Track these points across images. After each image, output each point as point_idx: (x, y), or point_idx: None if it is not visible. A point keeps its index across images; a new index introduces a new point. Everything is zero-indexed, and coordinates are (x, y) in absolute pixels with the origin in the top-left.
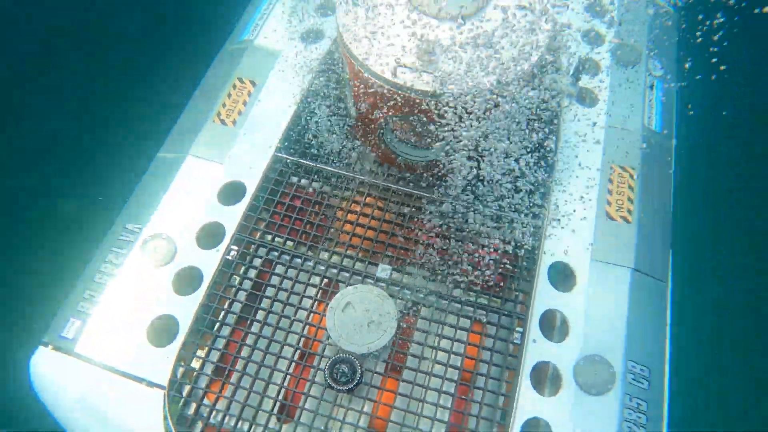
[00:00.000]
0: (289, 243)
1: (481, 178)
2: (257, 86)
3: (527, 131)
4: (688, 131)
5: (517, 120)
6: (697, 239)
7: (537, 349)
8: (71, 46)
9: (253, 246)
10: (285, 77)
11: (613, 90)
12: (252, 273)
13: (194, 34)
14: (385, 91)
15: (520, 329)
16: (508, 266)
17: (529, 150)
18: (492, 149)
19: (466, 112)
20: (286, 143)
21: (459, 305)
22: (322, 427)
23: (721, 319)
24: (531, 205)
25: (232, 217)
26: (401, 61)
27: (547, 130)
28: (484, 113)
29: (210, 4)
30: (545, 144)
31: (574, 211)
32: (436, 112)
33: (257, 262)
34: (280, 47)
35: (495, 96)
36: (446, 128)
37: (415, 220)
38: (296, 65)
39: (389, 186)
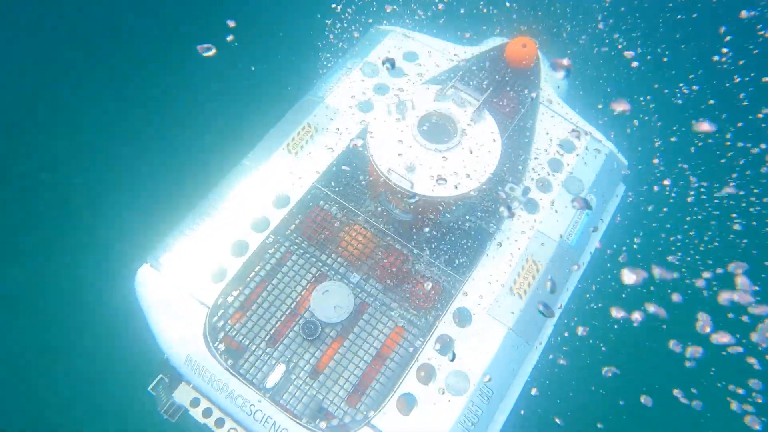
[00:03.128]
0: (305, 244)
1: (432, 240)
2: (318, 132)
3: (473, 221)
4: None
5: (462, 212)
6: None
7: (428, 355)
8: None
9: (282, 238)
10: (337, 133)
11: (553, 206)
12: (278, 255)
13: (287, 83)
14: (382, 178)
15: (422, 340)
16: (429, 299)
17: (468, 232)
18: (443, 225)
19: (424, 205)
20: (324, 178)
21: (391, 312)
22: (289, 356)
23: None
24: (460, 266)
25: (277, 216)
26: (392, 168)
27: (489, 222)
28: (436, 208)
29: (303, 67)
30: (488, 228)
31: (491, 281)
32: (407, 199)
33: (283, 249)
34: (341, 108)
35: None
36: (414, 207)
37: (385, 253)
38: (347, 126)
39: (376, 226)
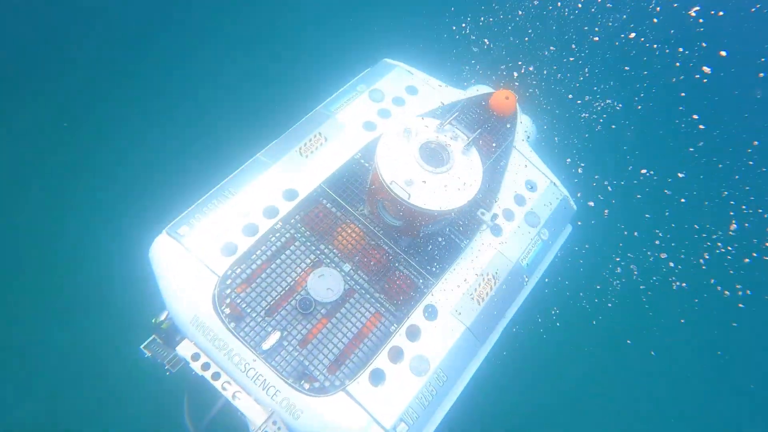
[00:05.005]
0: (307, 233)
1: (414, 246)
2: (327, 141)
3: (448, 235)
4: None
5: (442, 225)
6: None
7: (398, 339)
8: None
9: (288, 226)
10: (343, 144)
11: (514, 233)
12: (283, 239)
13: (304, 96)
14: (384, 187)
15: (395, 326)
16: (405, 293)
17: (444, 244)
18: (424, 233)
19: (414, 215)
20: (328, 181)
21: (372, 300)
22: (284, 324)
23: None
24: (433, 270)
25: (285, 207)
26: (394, 181)
27: (461, 238)
28: (424, 219)
29: (320, 84)
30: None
31: (457, 286)
32: (402, 206)
33: (288, 235)
34: (348, 125)
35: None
36: (403, 216)
37: (373, 250)
38: (353, 140)
39: (368, 227)
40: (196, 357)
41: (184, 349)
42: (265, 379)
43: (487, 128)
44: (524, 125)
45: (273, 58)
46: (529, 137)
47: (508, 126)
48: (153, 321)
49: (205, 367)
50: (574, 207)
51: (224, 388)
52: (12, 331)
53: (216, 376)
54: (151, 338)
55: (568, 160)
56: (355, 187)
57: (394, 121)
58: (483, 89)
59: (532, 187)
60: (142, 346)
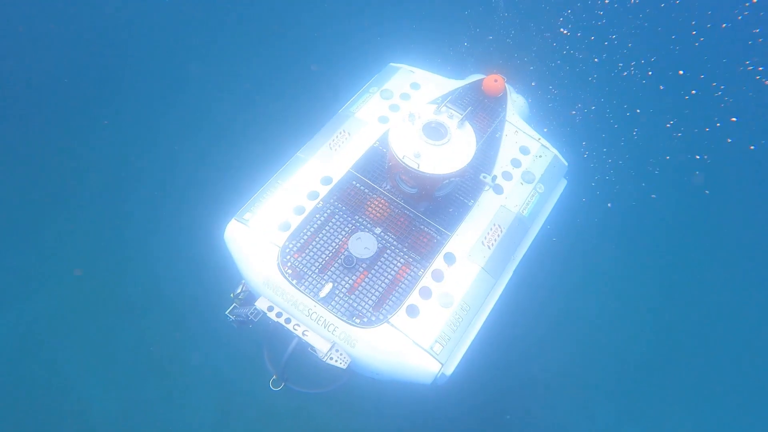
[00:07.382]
0: (343, 208)
1: (429, 207)
2: (350, 136)
3: (458, 197)
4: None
5: (450, 189)
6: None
7: (426, 281)
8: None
9: (328, 205)
10: (364, 137)
11: (513, 190)
12: (325, 215)
13: (330, 100)
14: (398, 162)
15: (422, 272)
16: (427, 246)
17: (455, 203)
18: (437, 196)
19: (425, 180)
20: (356, 166)
21: (402, 253)
22: (334, 277)
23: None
24: (449, 225)
25: (323, 190)
26: (405, 155)
27: (469, 198)
28: (433, 183)
29: (339, 91)
30: (468, 202)
31: (468, 234)
32: (414, 175)
33: (329, 211)
34: (366, 120)
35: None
36: (417, 183)
37: (397, 214)
38: (371, 132)
39: (391, 198)
40: (270, 309)
41: (261, 304)
42: (325, 319)
43: (481, 107)
44: (516, 102)
45: (302, 76)
46: (520, 111)
47: (500, 104)
48: (231, 295)
49: (279, 315)
50: (565, 163)
51: (295, 329)
52: (100, 319)
53: (288, 320)
54: (232, 306)
55: (545, 130)
56: (377, 168)
57: (402, 112)
58: (477, 76)
59: (525, 151)
60: (226, 312)
